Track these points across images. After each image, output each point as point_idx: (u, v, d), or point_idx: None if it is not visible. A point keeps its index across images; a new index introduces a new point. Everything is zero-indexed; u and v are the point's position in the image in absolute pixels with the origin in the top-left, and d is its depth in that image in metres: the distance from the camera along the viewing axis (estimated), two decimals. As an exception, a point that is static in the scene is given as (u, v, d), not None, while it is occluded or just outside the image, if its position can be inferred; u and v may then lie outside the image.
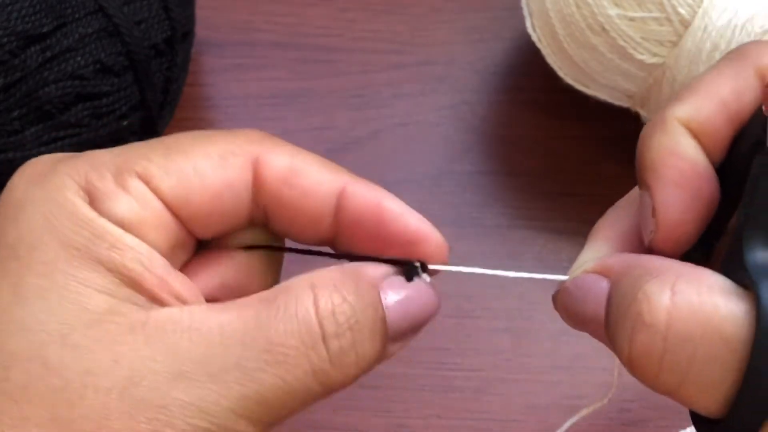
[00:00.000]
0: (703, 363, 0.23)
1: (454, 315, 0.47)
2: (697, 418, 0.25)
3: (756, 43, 0.28)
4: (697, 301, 0.23)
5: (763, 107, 0.25)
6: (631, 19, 0.43)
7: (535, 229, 0.49)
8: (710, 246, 0.28)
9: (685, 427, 0.45)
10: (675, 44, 0.43)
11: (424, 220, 0.28)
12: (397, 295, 0.27)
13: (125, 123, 0.43)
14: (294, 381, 0.25)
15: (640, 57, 0.44)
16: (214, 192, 0.27)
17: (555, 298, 0.29)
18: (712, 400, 0.23)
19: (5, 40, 0.39)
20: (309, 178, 0.28)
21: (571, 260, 0.48)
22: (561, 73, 0.47)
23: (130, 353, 0.24)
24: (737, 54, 0.28)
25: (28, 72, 0.40)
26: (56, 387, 0.24)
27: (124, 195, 0.26)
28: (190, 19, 0.47)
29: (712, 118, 0.27)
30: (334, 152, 0.51)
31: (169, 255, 0.27)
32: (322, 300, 0.26)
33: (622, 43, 0.44)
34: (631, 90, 0.46)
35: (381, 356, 0.27)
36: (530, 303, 0.47)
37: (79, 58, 0.41)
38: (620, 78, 0.45)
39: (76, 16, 0.41)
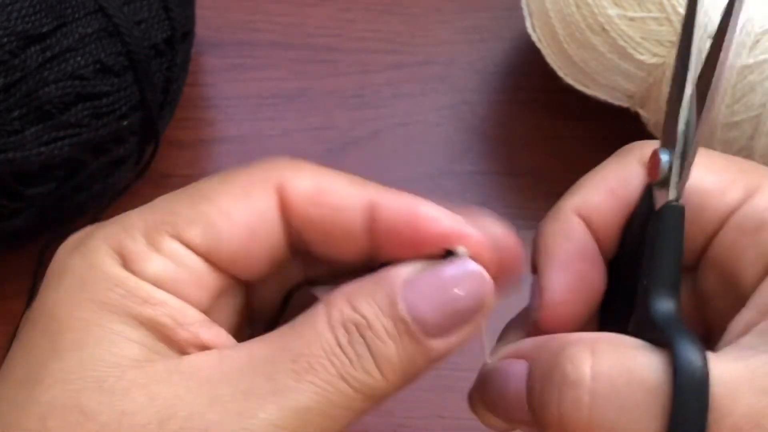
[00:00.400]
0: (630, 413, 0.24)
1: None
2: None
3: (639, 143, 0.31)
4: (617, 356, 0.25)
5: (648, 178, 0.29)
6: (631, 19, 0.43)
7: (535, 229, 0.49)
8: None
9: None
10: (675, 44, 0.43)
11: (460, 219, 0.28)
12: (419, 290, 0.27)
13: (125, 123, 0.43)
14: (326, 386, 0.25)
15: (640, 57, 0.44)
16: (244, 227, 0.27)
17: (471, 396, 0.30)
18: None
19: (5, 40, 0.39)
20: (335, 194, 0.28)
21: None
22: (561, 73, 0.47)
23: (165, 390, 0.25)
24: (621, 151, 0.31)
25: (28, 72, 0.40)
26: (93, 431, 0.24)
27: (156, 255, 0.27)
28: (190, 19, 0.47)
29: (602, 205, 0.30)
30: (334, 152, 0.51)
31: (213, 305, 0.27)
32: (334, 313, 0.26)
33: (622, 43, 0.44)
34: (631, 90, 0.46)
35: (418, 354, 0.26)
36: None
37: (79, 58, 0.41)
38: (620, 78, 0.45)
39: (76, 16, 0.41)
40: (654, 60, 0.44)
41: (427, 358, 0.27)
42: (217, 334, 0.27)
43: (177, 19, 0.45)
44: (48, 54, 0.40)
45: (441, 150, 0.51)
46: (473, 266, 0.27)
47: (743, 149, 0.43)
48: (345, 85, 0.53)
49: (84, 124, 0.42)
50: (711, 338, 0.28)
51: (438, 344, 0.27)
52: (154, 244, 0.27)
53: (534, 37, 0.48)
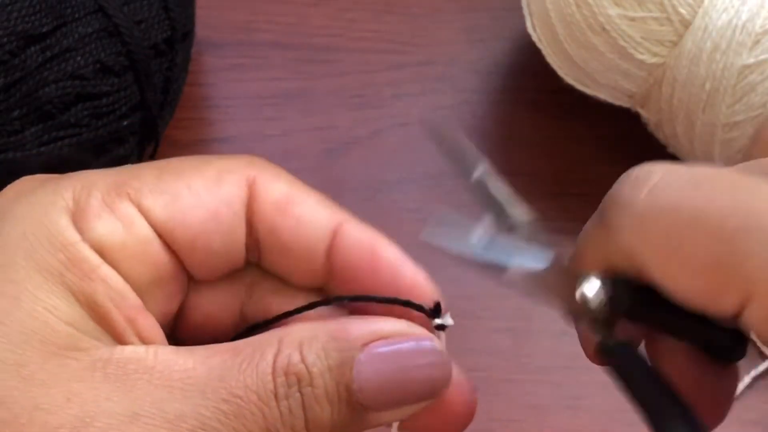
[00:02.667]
0: None
1: (454, 315, 0.47)
2: None
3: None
4: None
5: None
6: (632, 19, 0.43)
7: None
8: None
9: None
10: (675, 44, 0.43)
11: (419, 271, 0.27)
12: (376, 361, 0.25)
13: (125, 123, 0.43)
14: None
15: (640, 57, 0.44)
16: (209, 211, 0.26)
17: None
18: None
19: (5, 40, 0.39)
20: (304, 208, 0.27)
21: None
22: (561, 73, 0.47)
23: (86, 392, 0.23)
24: None
25: (28, 72, 0.40)
26: (2, 419, 0.23)
27: (109, 216, 0.25)
28: (190, 19, 0.47)
29: None
30: (334, 152, 0.50)
31: (149, 291, 0.26)
32: (281, 357, 0.25)
33: (622, 43, 0.43)
34: (632, 90, 0.46)
35: (353, 423, 0.25)
36: (531, 303, 0.47)
37: (79, 58, 0.41)
38: (620, 78, 0.45)
39: (76, 16, 0.41)
40: (654, 60, 0.44)
41: (361, 427, 0.26)
42: (151, 326, 0.26)
43: (177, 19, 0.45)
44: (48, 54, 0.40)
45: (441, 150, 0.51)
46: (436, 350, 0.26)
47: (743, 149, 0.43)
48: (345, 85, 0.52)
49: (84, 124, 0.42)
50: None
51: (376, 417, 0.26)
52: (109, 204, 0.25)
53: (534, 37, 0.48)
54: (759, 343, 0.45)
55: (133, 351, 0.24)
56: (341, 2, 0.55)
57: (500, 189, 0.25)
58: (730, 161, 0.44)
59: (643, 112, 0.47)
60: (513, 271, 0.26)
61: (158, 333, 0.26)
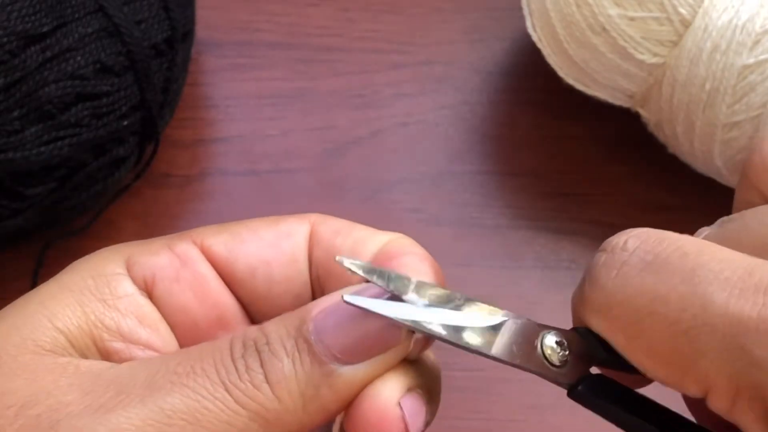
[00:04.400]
0: None
1: (455, 315, 0.47)
2: None
3: None
4: None
5: None
6: (632, 19, 0.43)
7: (535, 229, 0.49)
8: None
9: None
10: (675, 44, 0.43)
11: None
12: (333, 314, 0.25)
13: (125, 123, 0.43)
14: (202, 390, 0.24)
15: (640, 57, 0.44)
16: (268, 241, 0.27)
17: None
18: None
19: (5, 40, 0.39)
20: (362, 232, 0.28)
21: (572, 260, 0.48)
22: (561, 73, 0.47)
23: (47, 380, 0.24)
24: None
25: (28, 72, 0.40)
26: None
27: (167, 253, 0.26)
28: (190, 19, 0.47)
29: None
30: (334, 152, 0.51)
31: (211, 327, 0.27)
32: (239, 332, 0.25)
33: (622, 43, 0.43)
34: (632, 90, 0.46)
35: (320, 378, 0.25)
36: (531, 303, 0.47)
37: (79, 58, 0.41)
38: (621, 78, 0.45)
39: (76, 16, 0.41)
40: (654, 60, 0.44)
41: (331, 384, 0.24)
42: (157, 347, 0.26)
43: (177, 19, 0.45)
44: (48, 54, 0.40)
45: (441, 150, 0.51)
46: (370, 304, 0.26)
47: (743, 149, 0.43)
48: (345, 85, 0.52)
49: (84, 124, 0.42)
50: None
51: (345, 371, 0.25)
52: (170, 245, 0.26)
53: (534, 37, 0.48)
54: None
55: (111, 364, 0.25)
56: (341, 2, 0.55)
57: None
58: (730, 161, 0.45)
59: (643, 112, 0.47)
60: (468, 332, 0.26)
61: None
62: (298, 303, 0.27)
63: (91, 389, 0.24)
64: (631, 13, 0.43)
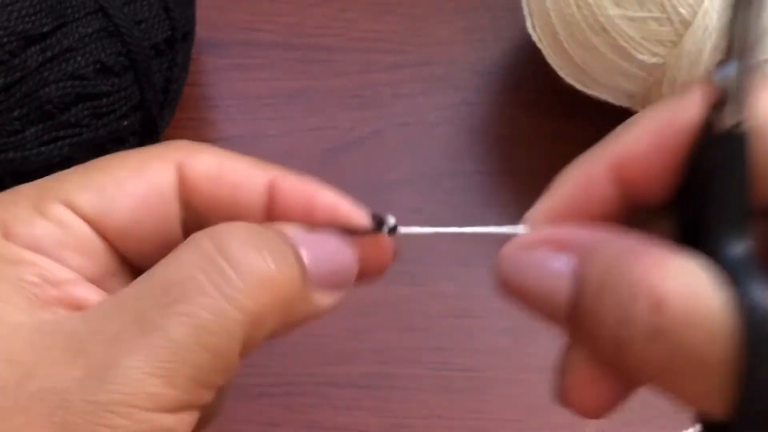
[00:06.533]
0: (688, 353, 0.22)
1: (455, 315, 0.47)
2: (704, 423, 0.24)
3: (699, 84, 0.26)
4: (684, 289, 0.22)
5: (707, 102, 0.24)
6: (632, 20, 0.43)
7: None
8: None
9: (687, 428, 0.45)
10: (675, 44, 0.43)
11: (354, 204, 0.28)
12: (316, 240, 0.26)
13: (125, 123, 0.43)
14: (203, 312, 0.22)
15: (640, 57, 0.44)
16: (136, 197, 0.26)
17: (498, 278, 0.26)
18: (702, 393, 0.23)
19: (5, 40, 0.39)
20: (237, 173, 0.27)
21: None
22: (561, 73, 0.47)
23: (28, 351, 0.22)
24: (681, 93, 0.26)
25: (28, 72, 0.40)
26: None
27: (40, 220, 0.25)
28: (190, 19, 0.47)
29: (642, 150, 0.26)
30: (334, 152, 0.51)
31: (104, 281, 0.26)
32: (218, 227, 0.24)
33: (622, 43, 0.43)
34: (632, 90, 0.46)
35: (302, 291, 0.25)
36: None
37: (79, 58, 0.41)
38: (621, 78, 0.45)
39: (76, 16, 0.41)
40: (654, 60, 0.44)
41: (307, 305, 0.25)
42: (92, 292, 0.25)
43: (177, 19, 0.45)
44: (48, 54, 0.40)
45: (441, 150, 0.51)
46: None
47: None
48: (345, 85, 0.52)
49: (84, 124, 0.42)
50: None
51: (319, 299, 0.26)
52: (40, 209, 0.25)
53: (534, 37, 0.48)
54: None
55: (66, 313, 0.24)
56: (341, 2, 0.55)
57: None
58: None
59: (643, 112, 0.47)
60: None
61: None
62: (170, 248, 0.26)
63: (73, 345, 0.22)
64: (631, 14, 0.43)
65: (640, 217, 0.26)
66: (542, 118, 0.52)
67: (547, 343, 0.46)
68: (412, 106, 0.52)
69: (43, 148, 0.41)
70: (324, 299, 0.26)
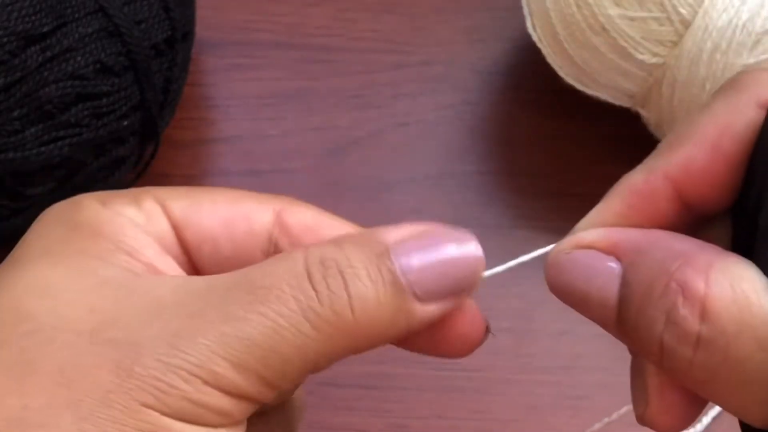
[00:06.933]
0: (735, 363, 0.21)
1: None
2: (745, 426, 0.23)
3: (753, 73, 0.25)
4: (731, 296, 0.21)
5: None
6: (632, 19, 0.43)
7: (535, 229, 0.49)
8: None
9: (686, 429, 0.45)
10: (676, 44, 0.43)
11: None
12: (410, 247, 0.25)
13: (125, 123, 0.43)
14: (280, 320, 0.23)
15: (640, 57, 0.44)
16: (226, 218, 0.27)
17: (547, 278, 0.26)
18: (747, 403, 0.22)
19: (5, 40, 0.39)
20: (334, 230, 0.27)
21: (572, 260, 0.48)
22: (561, 73, 0.47)
23: (110, 304, 0.24)
24: (730, 88, 0.25)
25: (28, 72, 0.40)
26: (26, 331, 0.23)
27: (133, 207, 0.26)
28: (190, 19, 0.47)
29: (701, 160, 0.24)
30: (334, 152, 0.51)
31: None
32: (314, 249, 0.24)
33: (622, 43, 0.43)
34: (632, 90, 0.46)
35: (399, 311, 0.24)
36: (531, 303, 0.47)
37: (79, 58, 0.41)
38: (621, 78, 0.45)
39: (76, 16, 0.41)
40: (654, 60, 0.44)
41: (407, 318, 0.25)
42: (172, 268, 0.26)
43: (177, 19, 0.45)
44: (48, 54, 0.40)
45: (441, 150, 0.51)
46: (470, 239, 0.26)
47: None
48: (345, 85, 0.52)
49: (84, 124, 0.42)
50: None
51: (423, 309, 0.25)
52: (135, 200, 0.26)
53: (534, 37, 0.48)
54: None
55: (158, 277, 0.25)
56: (341, 2, 0.55)
57: None
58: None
59: (643, 112, 0.47)
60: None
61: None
62: None
63: (154, 309, 0.23)
64: (631, 13, 0.43)
65: (696, 223, 0.26)
66: (542, 118, 0.52)
67: (547, 344, 0.46)
68: (412, 106, 0.52)
69: (43, 148, 0.41)
70: (435, 309, 0.25)
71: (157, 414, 0.22)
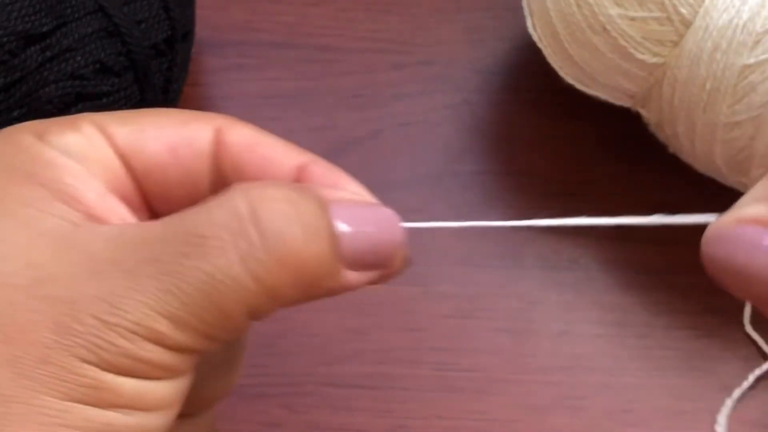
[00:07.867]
0: None
1: (455, 315, 0.47)
2: None
3: None
4: None
5: None
6: (632, 19, 0.43)
7: (535, 229, 0.49)
8: None
9: (687, 428, 0.45)
10: (676, 44, 0.43)
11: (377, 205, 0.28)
12: (350, 210, 0.25)
13: (125, 123, 0.43)
14: (218, 272, 0.23)
15: (640, 57, 0.44)
16: (172, 145, 0.26)
17: (704, 254, 0.24)
18: None
19: (5, 40, 0.39)
20: (270, 149, 0.27)
21: (572, 260, 0.48)
22: (562, 73, 0.47)
23: (48, 259, 0.23)
24: None
25: (28, 72, 0.40)
26: None
27: (73, 132, 0.25)
28: (190, 19, 0.47)
29: None
30: (334, 152, 0.50)
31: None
32: (256, 189, 0.24)
33: (622, 42, 0.43)
34: (632, 90, 0.46)
35: (330, 268, 0.25)
36: (531, 303, 0.47)
37: (79, 58, 0.41)
38: (621, 78, 0.45)
39: (76, 15, 0.41)
40: (655, 60, 0.44)
41: (332, 282, 0.25)
42: (117, 207, 0.25)
43: (177, 19, 0.45)
44: (48, 54, 0.40)
45: (441, 150, 0.51)
46: (394, 217, 0.27)
47: (744, 149, 0.43)
48: (345, 85, 0.52)
49: (84, 124, 0.42)
50: None
51: (351, 278, 0.25)
52: (74, 125, 0.26)
53: (535, 37, 0.48)
54: (762, 344, 0.45)
55: (96, 228, 0.24)
56: (341, 2, 0.55)
57: None
58: (730, 161, 0.44)
59: (643, 112, 0.47)
60: None
61: (130, 217, 0.26)
62: (191, 202, 0.26)
63: (92, 265, 0.23)
64: (631, 13, 0.43)
65: None
66: (542, 118, 0.52)
67: (547, 344, 0.46)
68: (412, 106, 0.52)
69: (43, 148, 0.41)
70: (354, 278, 0.26)
71: (97, 369, 0.22)
